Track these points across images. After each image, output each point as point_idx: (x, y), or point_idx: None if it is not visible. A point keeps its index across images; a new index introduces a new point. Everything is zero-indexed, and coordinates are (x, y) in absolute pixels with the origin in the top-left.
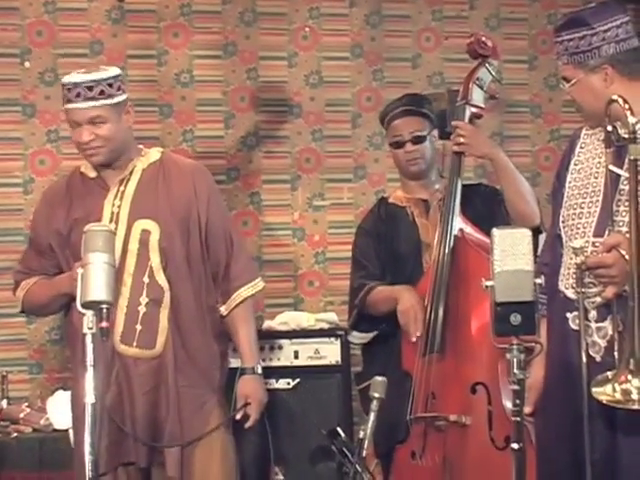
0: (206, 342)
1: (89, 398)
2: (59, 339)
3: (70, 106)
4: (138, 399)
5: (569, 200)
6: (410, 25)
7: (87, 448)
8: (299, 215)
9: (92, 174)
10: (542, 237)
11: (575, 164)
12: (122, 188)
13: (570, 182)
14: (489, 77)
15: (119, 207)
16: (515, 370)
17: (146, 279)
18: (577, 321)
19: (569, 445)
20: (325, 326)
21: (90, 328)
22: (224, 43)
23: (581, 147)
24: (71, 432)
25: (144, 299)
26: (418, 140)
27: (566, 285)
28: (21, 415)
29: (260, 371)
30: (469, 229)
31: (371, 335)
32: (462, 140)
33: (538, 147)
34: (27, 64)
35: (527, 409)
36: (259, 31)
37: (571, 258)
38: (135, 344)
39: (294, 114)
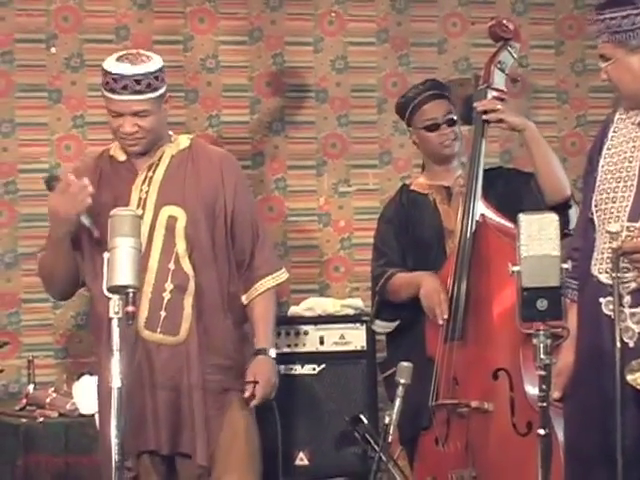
0: (228, 329)
1: (115, 382)
2: (85, 324)
3: (114, 97)
4: (160, 385)
5: (602, 184)
6: (436, 10)
7: (113, 432)
8: (325, 201)
9: (121, 157)
10: (572, 211)
11: (608, 148)
12: (150, 174)
13: (603, 166)
14: (511, 60)
15: (147, 193)
16: (542, 355)
17: (172, 265)
18: (611, 306)
19: (599, 431)
20: (350, 312)
21: (116, 312)
22: (250, 28)
23: (614, 131)
24: (97, 417)
25: (169, 285)
26: (452, 122)
27: (600, 270)
28: (47, 400)
29: (273, 355)
30: (491, 214)
31: (394, 324)
32: (498, 106)
33: (565, 133)
34: (53, 49)
35: (556, 394)
36: (285, 16)
37: (605, 243)
38: (159, 330)
39: (320, 99)
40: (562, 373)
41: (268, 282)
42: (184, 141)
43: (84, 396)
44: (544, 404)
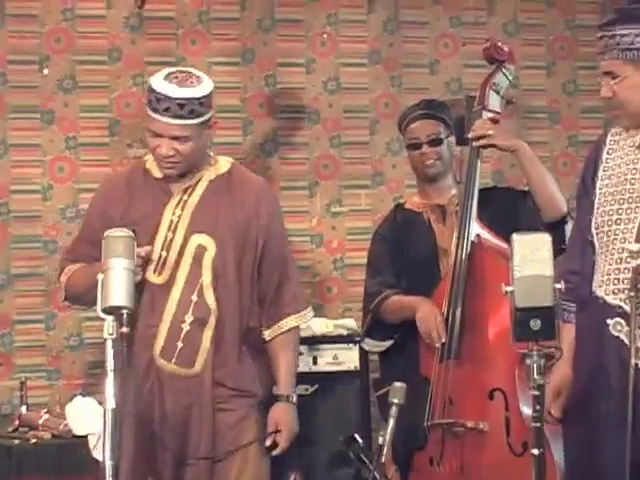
0: (246, 362)
1: (109, 404)
2: (78, 345)
3: (155, 116)
4: (170, 415)
5: (602, 207)
6: (428, 31)
7: (107, 453)
8: (317, 221)
9: (158, 174)
10: (568, 227)
11: (605, 170)
12: (185, 197)
13: (601, 188)
14: (506, 82)
15: (179, 217)
16: (535, 376)
17: (195, 297)
18: (619, 327)
19: (603, 453)
20: (344, 332)
21: (110, 334)
22: (242, 50)
23: (608, 153)
24: (90, 438)
25: (189, 317)
26: (435, 143)
27: (607, 291)
28: (40, 421)
29: (295, 400)
30: (486, 234)
31: (385, 344)
32: (489, 132)
33: (556, 153)
34: (46, 71)
35: (558, 413)
36: (277, 38)
37: (610, 264)
38: (174, 361)
39: (312, 120)
40: (562, 392)
41: (293, 321)
42: (224, 165)
43: (77, 417)
44: (538, 424)
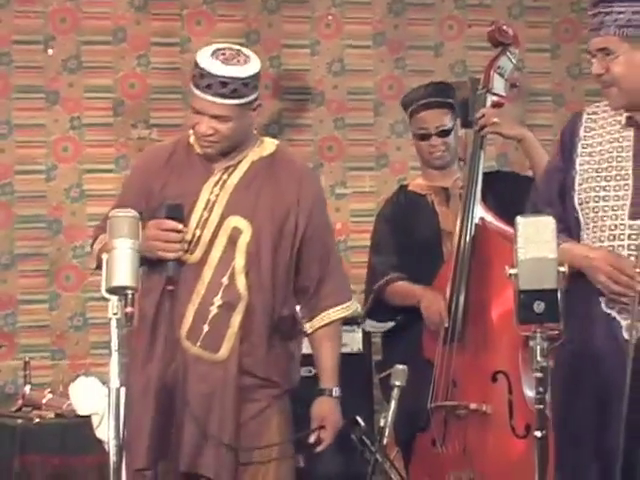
0: (274, 351)
1: (114, 383)
2: (81, 325)
3: (197, 93)
4: (191, 399)
5: (586, 183)
6: (433, 13)
7: (112, 433)
8: None
9: (200, 150)
10: None
11: (584, 147)
12: (225, 177)
13: (582, 165)
14: (510, 65)
15: (217, 196)
16: (538, 358)
17: (225, 280)
18: (611, 304)
19: (593, 430)
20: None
21: (115, 313)
22: (247, 31)
23: (586, 131)
24: (94, 418)
25: (218, 300)
26: (444, 133)
27: None
28: (43, 400)
29: (338, 394)
30: (490, 217)
31: (387, 325)
32: (494, 120)
33: None
34: (50, 51)
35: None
36: (282, 19)
37: (602, 241)
38: (199, 344)
39: (316, 102)
40: None
41: (335, 313)
42: (269, 146)
43: (80, 397)
44: (541, 406)
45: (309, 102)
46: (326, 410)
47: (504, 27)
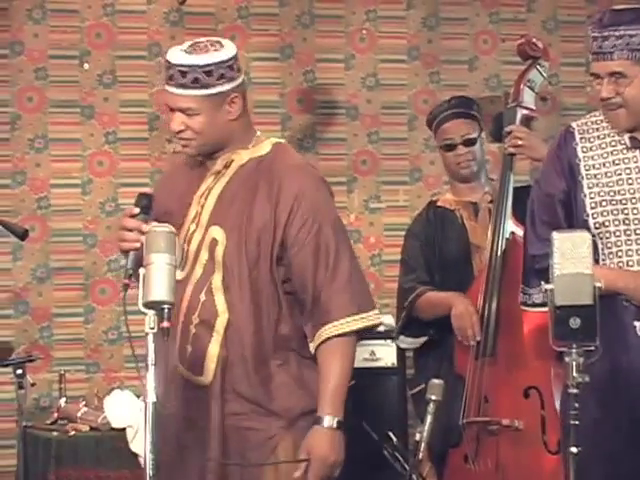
0: (270, 375)
1: (150, 397)
2: (116, 339)
3: (166, 86)
4: (182, 427)
5: (600, 206)
6: (467, 27)
7: (148, 447)
8: (355, 217)
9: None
10: None
11: (587, 169)
12: (212, 184)
13: (591, 187)
14: (540, 79)
15: (202, 207)
16: (574, 374)
17: (202, 296)
18: None
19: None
20: (381, 328)
21: (152, 328)
22: (281, 45)
23: (584, 151)
24: (128, 431)
25: (196, 318)
26: (469, 143)
27: None
28: (78, 414)
29: (335, 425)
30: (521, 232)
31: (419, 341)
32: (519, 142)
33: None
34: (86, 66)
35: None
36: (316, 33)
37: (629, 265)
38: (185, 365)
39: (350, 116)
40: None
41: (330, 330)
42: (265, 147)
43: (115, 410)
44: (576, 422)
45: (343, 116)
46: (314, 442)
47: (533, 40)
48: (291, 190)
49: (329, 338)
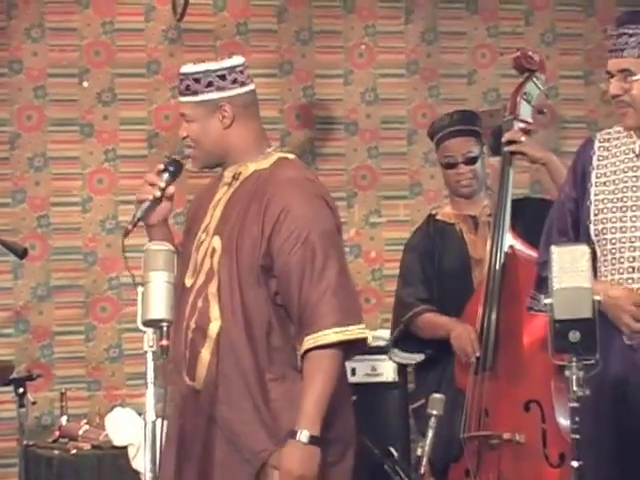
0: (274, 390)
1: (149, 416)
2: (117, 356)
3: None
4: (181, 434)
5: (602, 213)
6: (466, 41)
7: (147, 465)
8: (355, 232)
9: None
10: None
11: (597, 176)
12: (221, 195)
13: (597, 195)
14: (537, 91)
15: (211, 216)
16: (574, 387)
17: (200, 303)
18: (631, 339)
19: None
20: (382, 343)
21: (151, 346)
22: (280, 61)
23: (599, 159)
24: (130, 449)
25: (192, 324)
26: (471, 161)
27: None
28: (80, 432)
29: (305, 439)
30: (519, 245)
31: (414, 357)
32: (521, 139)
33: None
34: (85, 84)
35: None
36: (315, 49)
37: (621, 273)
38: (184, 370)
39: (350, 131)
40: None
41: (309, 341)
42: (270, 160)
43: (117, 428)
44: (577, 436)
45: (342, 131)
46: (284, 455)
47: (529, 53)
48: (278, 203)
49: (310, 350)
